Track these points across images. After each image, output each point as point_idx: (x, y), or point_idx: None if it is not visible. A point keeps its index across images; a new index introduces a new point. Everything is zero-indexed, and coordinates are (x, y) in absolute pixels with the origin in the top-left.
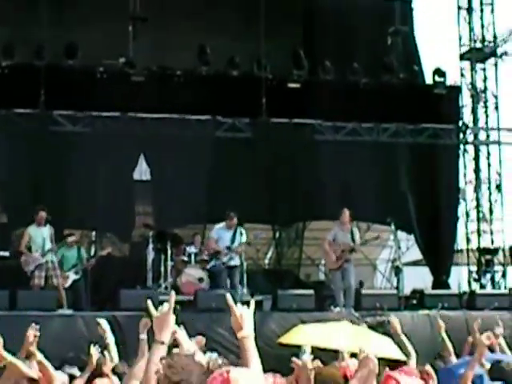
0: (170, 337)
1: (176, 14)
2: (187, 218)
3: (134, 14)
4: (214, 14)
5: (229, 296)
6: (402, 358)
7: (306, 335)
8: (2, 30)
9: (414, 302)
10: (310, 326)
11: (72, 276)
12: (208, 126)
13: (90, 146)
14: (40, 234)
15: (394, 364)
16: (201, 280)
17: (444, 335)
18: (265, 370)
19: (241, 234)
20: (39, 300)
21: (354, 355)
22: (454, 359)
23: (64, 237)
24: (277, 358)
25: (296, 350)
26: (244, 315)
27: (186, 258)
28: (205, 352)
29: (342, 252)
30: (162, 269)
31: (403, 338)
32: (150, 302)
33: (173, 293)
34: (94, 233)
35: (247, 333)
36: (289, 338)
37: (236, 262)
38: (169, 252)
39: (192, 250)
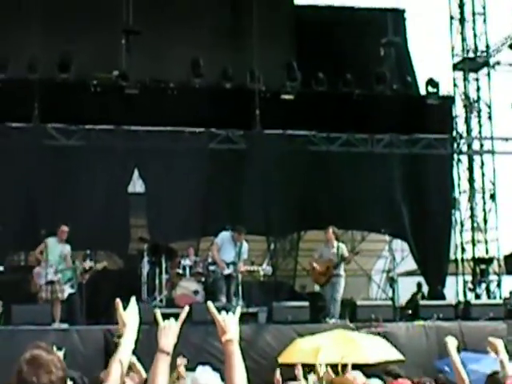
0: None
1: (169, 27)
2: (181, 230)
3: (127, 27)
4: (206, 26)
5: (210, 303)
6: (401, 357)
7: (298, 354)
8: None
9: (410, 312)
10: (305, 342)
11: (67, 290)
12: (202, 138)
13: (85, 160)
14: (58, 249)
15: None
16: (196, 293)
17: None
18: (260, 382)
19: (244, 250)
20: (34, 314)
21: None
22: None
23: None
24: (272, 370)
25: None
26: (227, 320)
27: (181, 271)
28: (196, 365)
29: (327, 269)
30: (157, 282)
31: None
32: (158, 312)
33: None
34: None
35: (231, 336)
36: (287, 357)
37: (232, 271)
38: (163, 265)
39: (187, 262)
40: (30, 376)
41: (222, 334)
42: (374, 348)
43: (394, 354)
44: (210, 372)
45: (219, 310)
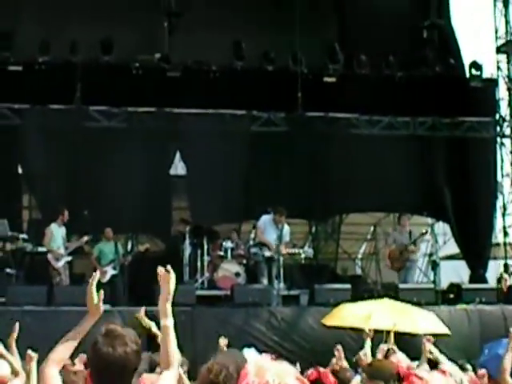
0: None
1: (211, 9)
2: (223, 213)
3: (169, 10)
4: (248, 8)
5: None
6: (447, 331)
7: (347, 317)
8: (37, 26)
9: (452, 296)
10: (351, 306)
11: (110, 271)
12: (244, 121)
13: (126, 142)
14: (61, 233)
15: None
16: (237, 275)
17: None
18: (302, 364)
19: (286, 232)
20: (76, 295)
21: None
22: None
23: (102, 233)
24: (313, 352)
25: (333, 343)
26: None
27: (222, 253)
28: (242, 347)
29: (401, 254)
30: (199, 264)
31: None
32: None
33: None
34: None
35: (167, 322)
36: (330, 320)
37: (272, 253)
38: (205, 247)
39: (229, 244)
40: (105, 347)
41: (162, 318)
42: (423, 318)
43: (442, 328)
44: (256, 353)
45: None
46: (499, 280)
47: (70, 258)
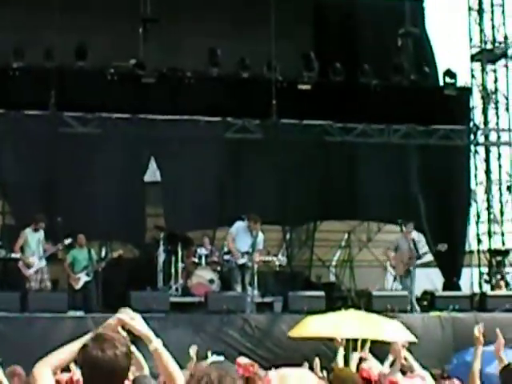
0: None
1: (186, 16)
2: (198, 220)
3: (144, 16)
4: (223, 15)
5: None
6: (414, 339)
7: (315, 327)
8: (12, 32)
9: (425, 303)
10: (317, 317)
11: (83, 277)
12: (218, 128)
13: (101, 148)
14: (36, 239)
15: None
16: (211, 282)
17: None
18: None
19: (260, 240)
20: (50, 302)
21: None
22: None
23: (75, 240)
24: (287, 359)
25: (308, 351)
26: (144, 331)
27: (196, 260)
28: (211, 354)
29: (409, 259)
30: (173, 270)
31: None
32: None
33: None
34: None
35: (156, 345)
36: (298, 332)
37: (246, 260)
38: (179, 254)
39: (203, 251)
40: (94, 350)
41: (148, 343)
42: (389, 326)
43: (408, 335)
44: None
45: (234, 298)
46: None
47: (43, 264)
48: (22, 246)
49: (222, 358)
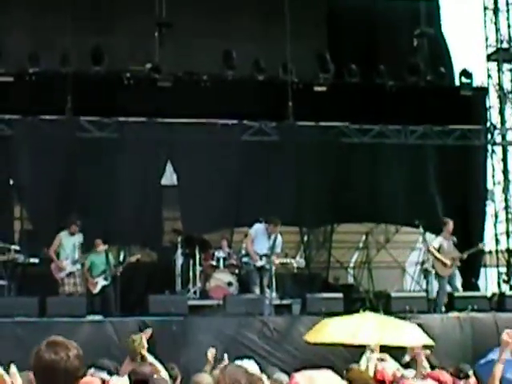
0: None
1: (201, 19)
2: (215, 222)
3: (159, 20)
4: (238, 18)
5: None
6: (431, 343)
7: (332, 333)
8: (27, 37)
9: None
10: (334, 322)
11: (101, 282)
12: (234, 130)
13: (117, 152)
14: (71, 243)
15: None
16: (230, 284)
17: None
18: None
19: (278, 243)
20: (68, 306)
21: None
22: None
23: (93, 245)
24: (305, 362)
25: (326, 352)
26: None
27: (214, 263)
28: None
29: (453, 260)
30: (191, 274)
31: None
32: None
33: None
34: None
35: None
36: (314, 337)
37: (264, 262)
38: (197, 257)
39: (221, 254)
40: (47, 353)
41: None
42: (408, 330)
43: (426, 339)
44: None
45: (253, 301)
46: None
47: (75, 269)
48: (58, 250)
49: (251, 363)
